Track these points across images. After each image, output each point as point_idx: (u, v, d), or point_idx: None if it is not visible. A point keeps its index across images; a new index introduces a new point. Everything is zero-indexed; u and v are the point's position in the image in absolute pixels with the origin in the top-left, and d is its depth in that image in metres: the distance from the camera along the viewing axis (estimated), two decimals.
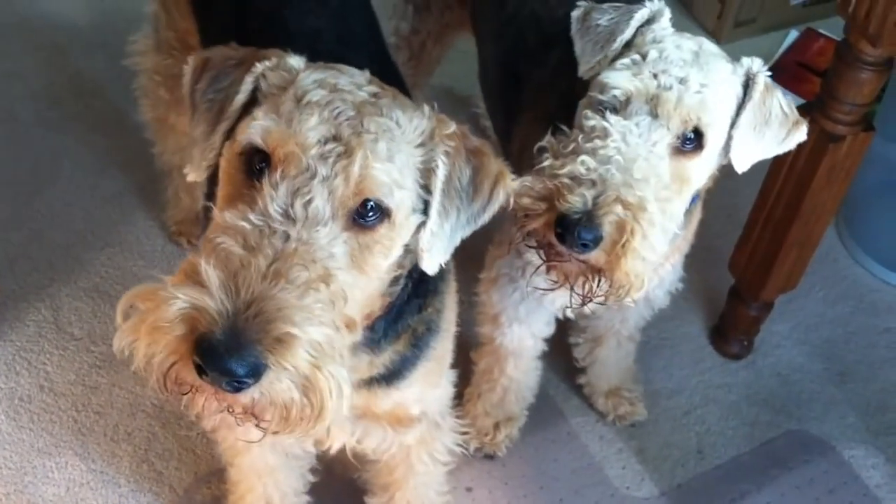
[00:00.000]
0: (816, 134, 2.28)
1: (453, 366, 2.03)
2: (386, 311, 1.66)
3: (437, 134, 1.51)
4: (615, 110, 1.80)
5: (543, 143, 1.86)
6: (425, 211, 1.52)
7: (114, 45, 3.28)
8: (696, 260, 2.32)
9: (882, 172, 3.04)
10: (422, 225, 1.52)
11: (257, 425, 1.40)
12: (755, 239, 2.58)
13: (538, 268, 1.94)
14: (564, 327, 2.58)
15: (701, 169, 1.86)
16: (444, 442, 2.16)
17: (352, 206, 1.41)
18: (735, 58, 1.89)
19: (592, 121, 1.79)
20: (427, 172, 1.51)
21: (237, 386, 1.30)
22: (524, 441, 2.61)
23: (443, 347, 1.89)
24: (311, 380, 1.33)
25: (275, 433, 1.40)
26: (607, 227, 1.71)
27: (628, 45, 1.87)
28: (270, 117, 1.44)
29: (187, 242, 2.93)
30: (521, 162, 2.16)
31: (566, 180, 1.74)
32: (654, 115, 1.77)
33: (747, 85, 1.86)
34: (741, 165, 1.90)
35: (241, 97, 1.52)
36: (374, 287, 1.54)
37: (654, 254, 1.76)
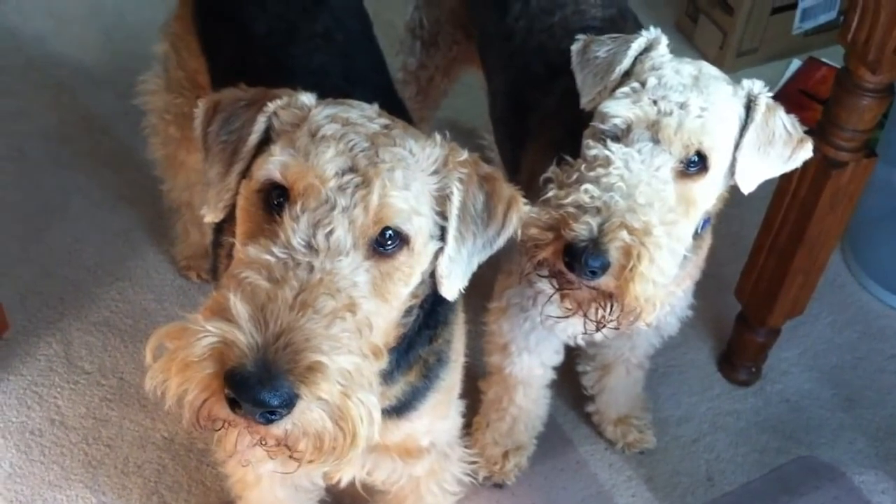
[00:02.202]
0: (819, 161, 2.30)
1: (462, 395, 2.04)
2: (398, 342, 1.67)
3: (450, 161, 1.54)
4: (617, 138, 1.82)
5: (549, 173, 1.88)
6: (442, 237, 1.54)
7: (122, 83, 3.32)
8: (703, 287, 2.33)
9: (886, 198, 3.05)
10: (439, 252, 1.54)
11: (291, 456, 1.41)
12: (761, 265, 2.59)
13: (551, 296, 1.96)
14: (573, 355, 2.59)
15: (707, 191, 1.87)
16: (452, 472, 2.16)
17: (372, 235, 1.43)
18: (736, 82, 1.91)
19: (594, 150, 1.82)
20: (442, 199, 1.53)
21: (270, 417, 1.31)
22: (533, 470, 2.61)
23: (452, 378, 1.90)
24: (342, 409, 1.35)
25: (309, 463, 1.41)
26: (614, 253, 1.73)
27: (628, 75, 1.90)
28: (288, 152, 1.46)
29: (197, 276, 2.95)
30: (530, 191, 2.17)
31: (571, 209, 1.77)
32: (656, 140, 1.79)
33: (749, 107, 1.88)
34: (747, 186, 1.91)
35: (254, 137, 1.55)
36: (395, 316, 1.55)
37: (664, 276, 1.78)
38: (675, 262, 1.83)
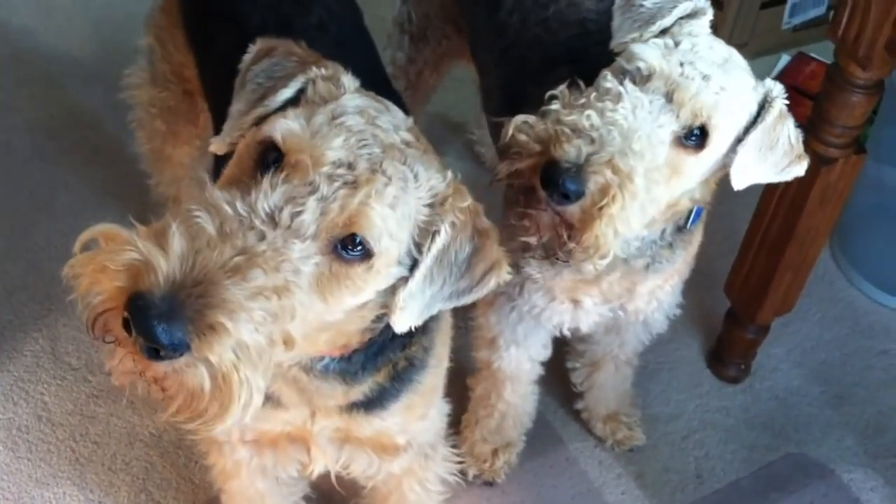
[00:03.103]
0: (809, 157, 2.30)
1: (450, 393, 2.03)
2: (365, 346, 1.65)
3: (448, 203, 1.50)
4: (634, 82, 1.80)
5: (556, 91, 1.85)
6: (412, 269, 1.50)
7: (110, 77, 3.29)
8: (692, 283, 2.32)
9: (875, 195, 3.05)
10: (403, 280, 1.50)
11: (161, 400, 1.37)
12: (750, 262, 2.58)
13: (515, 210, 1.91)
14: (562, 352, 2.58)
15: (694, 168, 1.86)
16: (435, 472, 2.15)
17: (337, 235, 1.39)
18: None
19: (609, 83, 1.80)
20: (426, 233, 1.49)
21: (155, 353, 1.28)
22: (523, 467, 2.60)
23: (430, 382, 1.87)
24: (225, 378, 1.31)
25: (175, 414, 1.37)
26: (591, 186, 1.71)
27: (664, 32, 1.88)
28: (300, 121, 1.43)
29: None
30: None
31: (567, 129, 1.74)
32: (669, 99, 1.77)
33: (763, 106, 1.87)
34: (739, 183, 1.90)
35: (286, 91, 1.53)
36: (337, 319, 1.50)
37: (627, 228, 1.76)
38: (642, 222, 1.81)
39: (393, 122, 1.50)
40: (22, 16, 3.77)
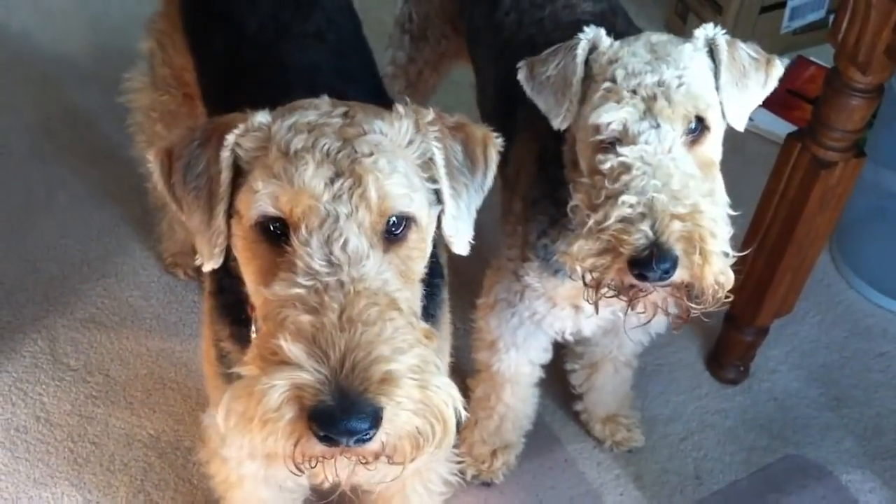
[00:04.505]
0: (808, 161, 2.30)
1: None
2: None
3: (420, 125, 1.55)
4: (618, 141, 1.80)
5: (575, 202, 1.87)
6: (438, 200, 1.56)
7: (107, 78, 3.30)
8: None
9: (874, 198, 3.06)
10: (440, 214, 1.56)
11: (392, 462, 1.42)
12: (749, 265, 2.58)
13: (627, 309, 1.92)
14: (561, 354, 2.58)
15: (716, 146, 1.89)
16: (438, 472, 2.15)
17: (381, 229, 1.44)
18: None
19: (608, 162, 1.79)
20: (426, 164, 1.54)
21: (364, 438, 1.32)
22: (521, 468, 2.60)
23: None
24: (424, 402, 1.36)
25: (412, 461, 1.42)
26: (678, 246, 1.72)
27: (587, 79, 1.89)
28: (271, 182, 1.43)
29: (183, 274, 2.94)
30: (518, 185, 2.17)
31: (618, 225, 1.75)
32: (656, 125, 1.78)
33: (712, 51, 1.89)
34: (739, 123, 1.92)
35: (225, 174, 1.51)
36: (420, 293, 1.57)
37: (726, 244, 1.78)
38: (728, 225, 1.83)
39: (320, 113, 1.51)
40: (20, 17, 3.77)
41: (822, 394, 2.85)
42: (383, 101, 1.98)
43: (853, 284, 3.12)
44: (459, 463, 2.30)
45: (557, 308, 2.17)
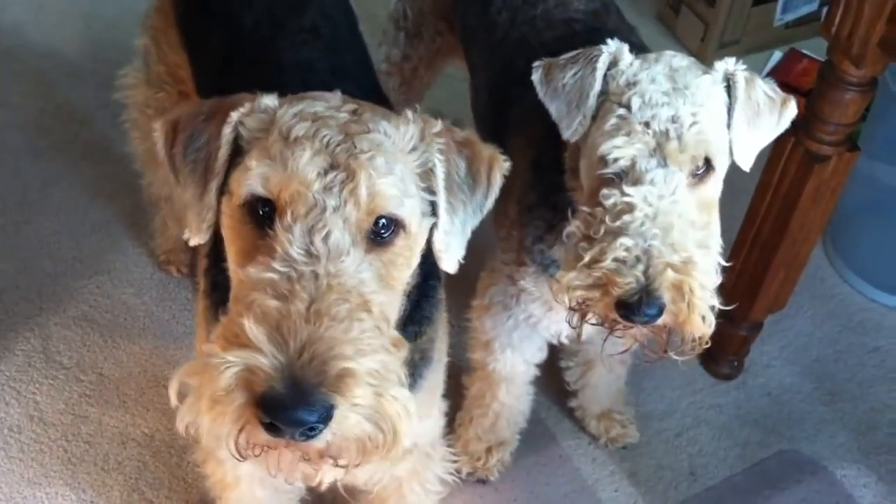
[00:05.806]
0: (802, 155, 2.30)
1: (445, 393, 2.03)
2: None
3: (426, 134, 1.53)
4: (625, 173, 1.78)
5: (571, 228, 1.85)
6: (433, 213, 1.54)
7: (101, 74, 3.29)
8: None
9: (868, 191, 3.06)
10: (433, 227, 1.54)
11: (336, 465, 1.40)
12: (743, 259, 2.58)
13: (608, 336, 1.92)
14: (556, 351, 2.58)
15: (718, 185, 1.86)
16: (435, 472, 2.15)
17: (367, 228, 1.42)
18: None
19: (612, 198, 1.76)
20: (426, 174, 1.52)
21: (310, 434, 1.30)
22: (516, 465, 2.60)
23: (435, 378, 1.88)
24: (378, 409, 1.34)
25: (356, 466, 1.40)
26: (666, 295, 1.72)
27: (603, 94, 1.85)
28: (265, 163, 1.42)
29: (176, 271, 2.93)
30: (512, 189, 2.16)
31: (612, 265, 1.73)
32: (663, 164, 1.76)
33: (730, 86, 1.86)
34: (746, 162, 1.89)
35: (224, 150, 1.50)
36: (401, 301, 1.55)
37: (713, 295, 1.77)
38: (718, 275, 1.81)
39: (330, 106, 1.50)
40: (13, 12, 3.75)
41: (816, 388, 2.85)
42: (377, 97, 1.98)
43: (847, 279, 3.12)
44: (455, 461, 2.30)
45: (553, 311, 2.16)
